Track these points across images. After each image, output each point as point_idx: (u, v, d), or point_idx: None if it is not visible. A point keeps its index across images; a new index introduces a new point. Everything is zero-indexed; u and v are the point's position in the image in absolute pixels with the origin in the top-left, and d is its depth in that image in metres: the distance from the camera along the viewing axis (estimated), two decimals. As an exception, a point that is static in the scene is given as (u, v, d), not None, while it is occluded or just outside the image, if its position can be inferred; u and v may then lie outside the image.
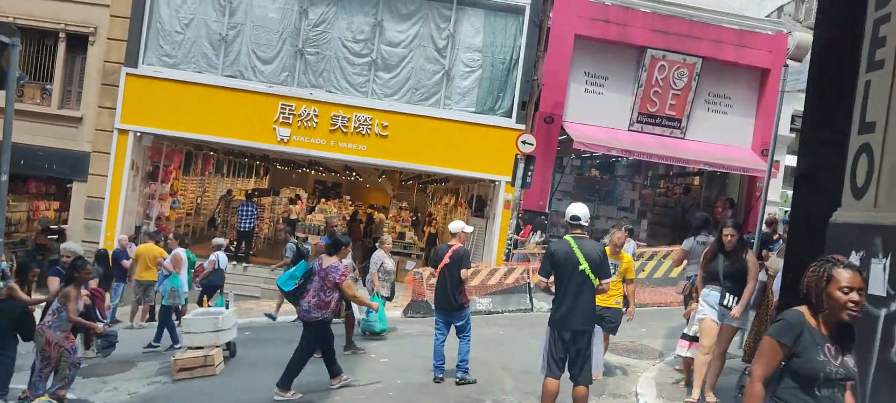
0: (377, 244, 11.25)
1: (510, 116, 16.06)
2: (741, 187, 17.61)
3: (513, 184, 15.05)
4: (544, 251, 14.25)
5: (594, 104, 16.32)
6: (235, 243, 17.78)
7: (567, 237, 5.78)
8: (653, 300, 12.77)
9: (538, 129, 15.64)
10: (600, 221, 17.37)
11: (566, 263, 5.61)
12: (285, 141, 15.63)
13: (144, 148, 16.08)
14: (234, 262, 16.95)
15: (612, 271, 6.69)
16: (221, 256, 12.22)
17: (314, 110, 15.54)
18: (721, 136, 16.92)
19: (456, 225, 8.08)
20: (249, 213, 17.76)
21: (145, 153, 16.21)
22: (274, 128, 15.53)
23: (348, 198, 32.44)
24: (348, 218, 26.84)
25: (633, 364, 8.30)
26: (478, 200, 17.44)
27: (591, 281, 5.63)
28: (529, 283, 12.63)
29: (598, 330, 6.66)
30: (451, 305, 7.66)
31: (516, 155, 14.85)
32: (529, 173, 14.78)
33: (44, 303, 7.59)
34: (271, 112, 15.50)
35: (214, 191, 22.71)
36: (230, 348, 9.33)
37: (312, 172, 32.32)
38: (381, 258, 10.53)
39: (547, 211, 16.31)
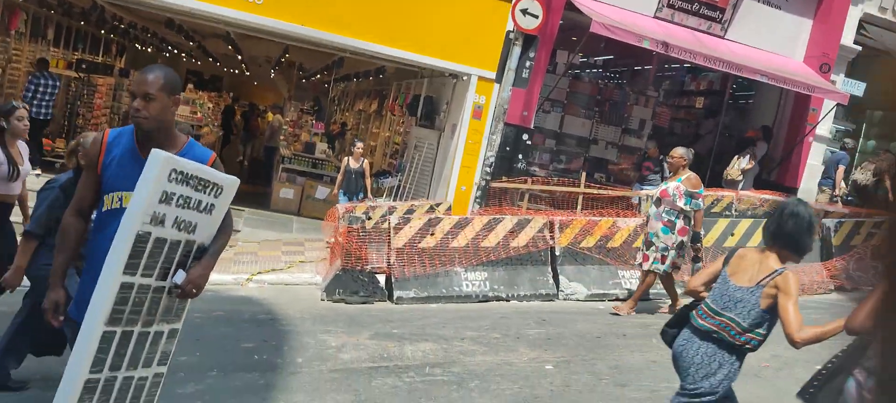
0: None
1: (491, -25, 10.40)
2: (782, 111, 13.00)
3: (498, 80, 9.62)
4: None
5: (611, -27, 11.00)
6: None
7: None
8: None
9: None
10: (598, 147, 12.34)
11: None
12: (123, -26, 9.26)
13: None
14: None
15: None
16: None
17: (175, -75, 9.21)
18: (769, 40, 12.16)
19: None
20: (44, 90, 10.94)
21: None
22: (102, -50, 9.11)
23: (230, 94, 25.79)
24: (242, 113, 20.62)
25: None
26: (426, 104, 11.84)
27: None
28: (553, 249, 7.33)
29: None
30: None
31: (508, 32, 9.38)
32: (527, 64, 9.39)
33: None
34: (98, -79, 9.05)
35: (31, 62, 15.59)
36: None
37: (184, 57, 25.21)
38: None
39: (531, 127, 11.00)
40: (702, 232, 6.99)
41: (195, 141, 3.04)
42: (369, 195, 10.43)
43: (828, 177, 12.28)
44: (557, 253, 7.32)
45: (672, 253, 6.77)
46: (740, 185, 11.23)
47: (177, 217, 2.72)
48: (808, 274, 7.75)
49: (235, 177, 2.93)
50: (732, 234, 7.96)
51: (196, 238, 2.86)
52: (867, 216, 8.88)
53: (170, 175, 2.63)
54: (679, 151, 7.04)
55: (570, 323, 6.29)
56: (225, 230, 3.01)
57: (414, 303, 6.74)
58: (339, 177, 10.47)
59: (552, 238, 7.30)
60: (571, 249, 7.38)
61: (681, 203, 6.72)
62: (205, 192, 2.79)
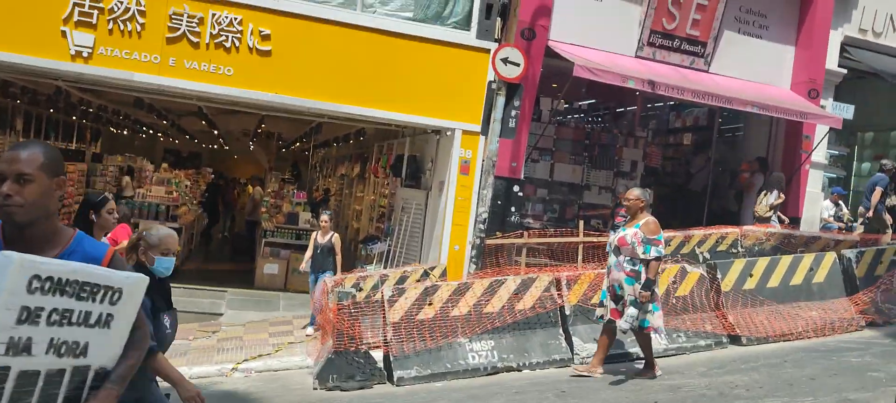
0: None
1: (468, 28, 10.15)
2: (774, 141, 12.72)
3: (483, 131, 9.26)
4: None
5: (589, 16, 10.82)
6: None
7: None
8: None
9: (513, 49, 9.82)
10: (591, 193, 11.94)
11: None
12: (86, 57, 8.87)
13: None
14: None
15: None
16: None
17: (137, 3, 8.87)
18: (753, 70, 11.97)
19: None
20: None
21: None
22: (63, 33, 8.73)
23: (210, 170, 25.30)
24: (222, 185, 20.13)
25: None
26: (410, 163, 11.44)
27: None
28: (563, 308, 6.82)
29: None
30: None
31: (490, 83, 9.07)
32: (513, 113, 9.03)
33: None
34: (59, 2, 8.71)
35: (-2, 156, 15.05)
36: None
37: (160, 136, 24.81)
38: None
39: (521, 178, 10.60)
40: (655, 280, 6.22)
41: (85, 234, 2.37)
42: (338, 274, 9.27)
43: (866, 198, 12.00)
44: (568, 313, 6.78)
45: (645, 305, 6.16)
46: (771, 221, 10.88)
47: (53, 338, 2.03)
48: (836, 312, 7.25)
49: (142, 275, 2.26)
50: (751, 275, 7.47)
51: (90, 361, 2.14)
52: (886, 243, 8.47)
53: (30, 284, 1.94)
54: (635, 192, 6.37)
55: (593, 392, 5.70)
56: (136, 344, 2.32)
57: (416, 383, 6.13)
58: (308, 252, 9.66)
59: (560, 296, 6.77)
60: (583, 307, 6.84)
61: (640, 251, 6.08)
62: (93, 300, 2.09)
